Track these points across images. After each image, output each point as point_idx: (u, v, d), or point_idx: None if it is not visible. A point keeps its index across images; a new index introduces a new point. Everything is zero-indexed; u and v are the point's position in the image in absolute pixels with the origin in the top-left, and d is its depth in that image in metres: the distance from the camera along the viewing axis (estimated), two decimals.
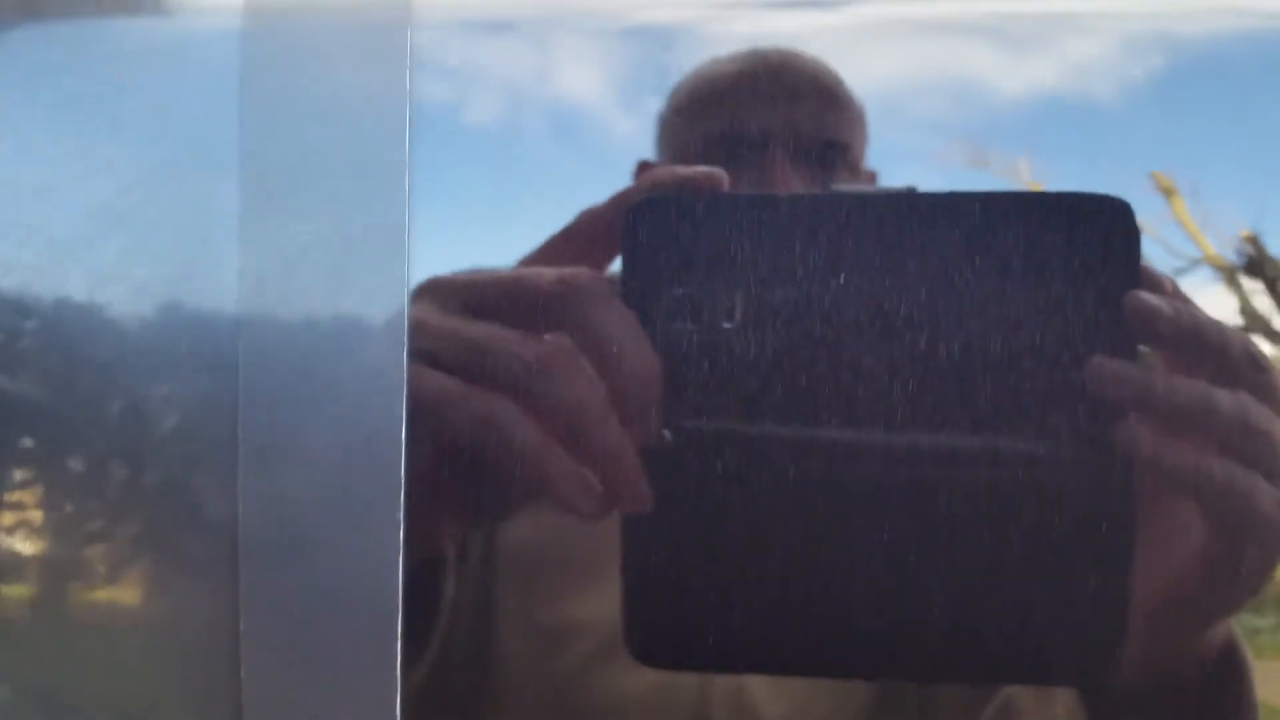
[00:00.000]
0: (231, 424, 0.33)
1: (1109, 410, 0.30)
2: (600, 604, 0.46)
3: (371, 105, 0.33)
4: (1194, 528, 0.32)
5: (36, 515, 0.40)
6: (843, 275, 0.29)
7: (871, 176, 0.33)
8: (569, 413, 0.30)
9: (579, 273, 0.31)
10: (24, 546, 0.39)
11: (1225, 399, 0.31)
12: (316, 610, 0.33)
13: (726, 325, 0.30)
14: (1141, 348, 0.31)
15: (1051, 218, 0.30)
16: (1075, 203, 0.30)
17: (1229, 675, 0.40)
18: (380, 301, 0.32)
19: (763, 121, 0.40)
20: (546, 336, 0.31)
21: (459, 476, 0.32)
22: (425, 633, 0.38)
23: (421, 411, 0.31)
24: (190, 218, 0.34)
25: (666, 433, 0.30)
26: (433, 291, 0.33)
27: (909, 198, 0.30)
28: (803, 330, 0.30)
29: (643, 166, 0.33)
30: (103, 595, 0.40)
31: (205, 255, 0.34)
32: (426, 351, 0.32)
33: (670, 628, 0.32)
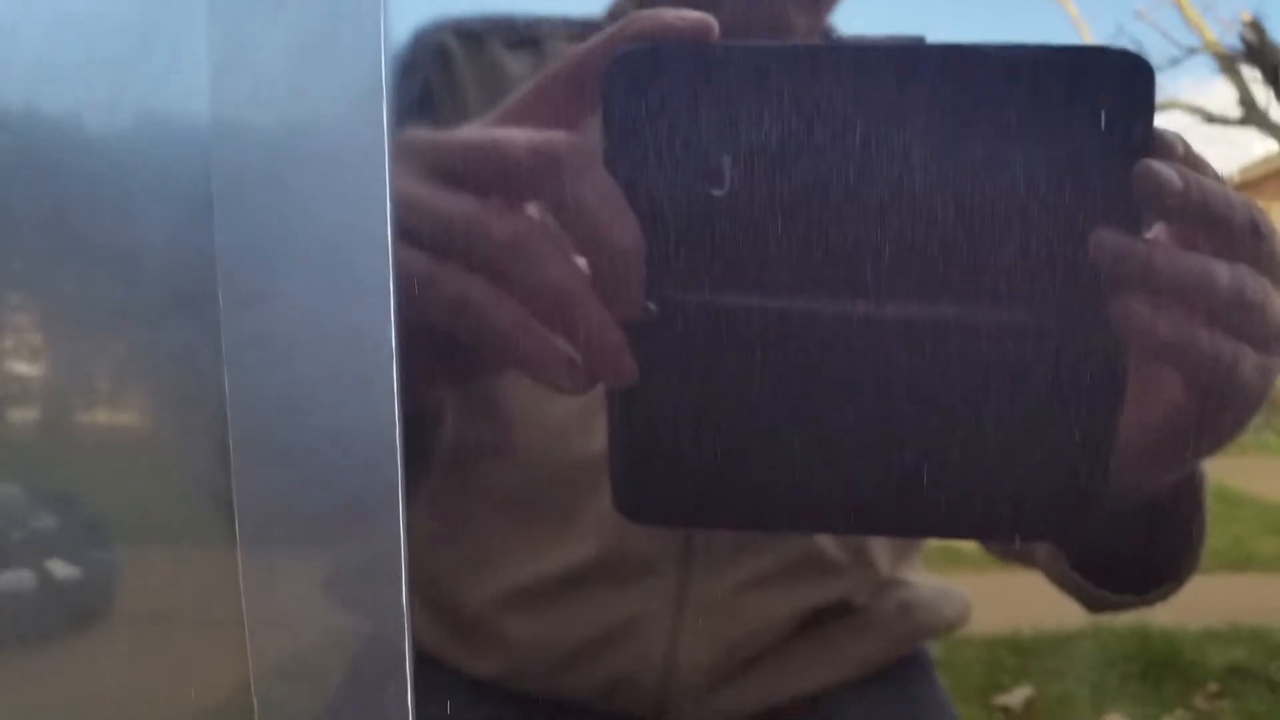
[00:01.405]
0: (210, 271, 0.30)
1: (1108, 283, 0.28)
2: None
3: None
4: (1177, 389, 0.32)
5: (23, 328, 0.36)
6: (843, 134, 0.27)
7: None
8: (547, 292, 0.27)
9: (556, 141, 0.27)
10: (16, 362, 0.36)
11: (1223, 274, 0.29)
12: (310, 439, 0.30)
13: (716, 193, 0.27)
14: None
15: (1068, 74, 0.27)
16: (1094, 58, 0.27)
17: (1189, 497, 0.47)
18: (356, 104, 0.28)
19: None
20: (526, 206, 0.28)
21: (437, 345, 0.31)
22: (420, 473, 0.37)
23: (397, 288, 0.28)
24: (158, 24, 0.31)
25: (651, 305, 0.28)
26: (403, 153, 0.30)
27: (915, 50, 0.27)
28: (799, 196, 0.27)
29: (620, 5, 0.28)
30: (93, 409, 0.38)
31: (175, 65, 0.30)
32: (398, 224, 0.29)
33: (657, 488, 0.30)
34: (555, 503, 0.61)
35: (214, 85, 0.29)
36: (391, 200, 0.27)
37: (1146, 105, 0.29)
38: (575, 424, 0.59)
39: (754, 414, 0.30)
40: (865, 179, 0.28)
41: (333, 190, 0.28)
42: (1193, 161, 0.30)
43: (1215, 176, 0.31)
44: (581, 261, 0.29)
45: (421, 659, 0.60)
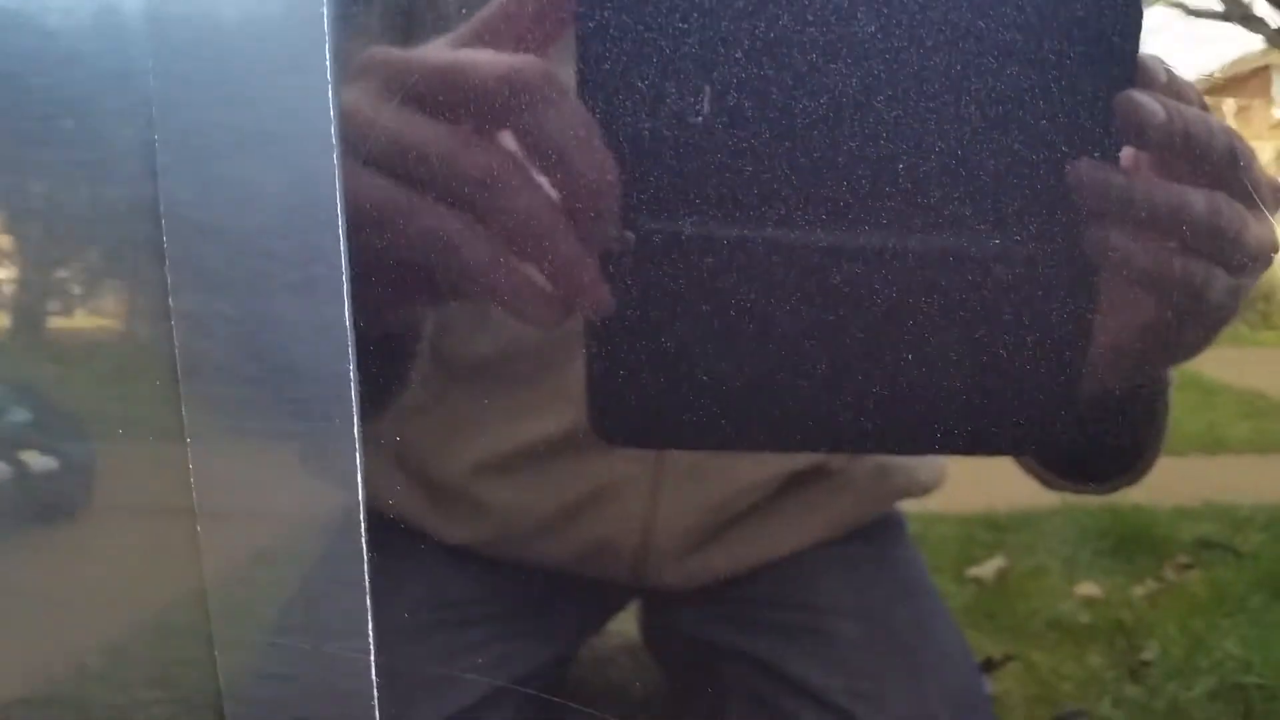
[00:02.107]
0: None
1: (1087, 211, 0.28)
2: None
3: None
4: (1150, 306, 0.33)
5: None
6: (823, 61, 0.26)
7: None
8: (518, 224, 0.27)
9: (526, 68, 0.27)
10: None
11: (1199, 202, 0.30)
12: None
13: (693, 119, 0.27)
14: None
15: (1053, 1, 0.27)
16: None
17: (1154, 398, 0.47)
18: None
19: None
20: (496, 135, 0.28)
21: (410, 272, 0.30)
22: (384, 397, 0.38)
23: (363, 217, 0.27)
24: None
25: (629, 234, 0.27)
26: (371, 72, 0.29)
27: None
28: (777, 123, 0.27)
29: None
30: (59, 306, 0.38)
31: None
32: (363, 150, 0.28)
33: (633, 412, 0.31)
34: (533, 372, 0.61)
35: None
36: (336, 114, 0.26)
37: (1132, 35, 0.28)
38: None
39: (730, 339, 0.30)
40: (845, 106, 0.28)
41: (277, 96, 0.27)
42: (1175, 89, 0.30)
43: (1199, 103, 0.31)
44: (554, 190, 0.29)
45: (399, 528, 0.63)
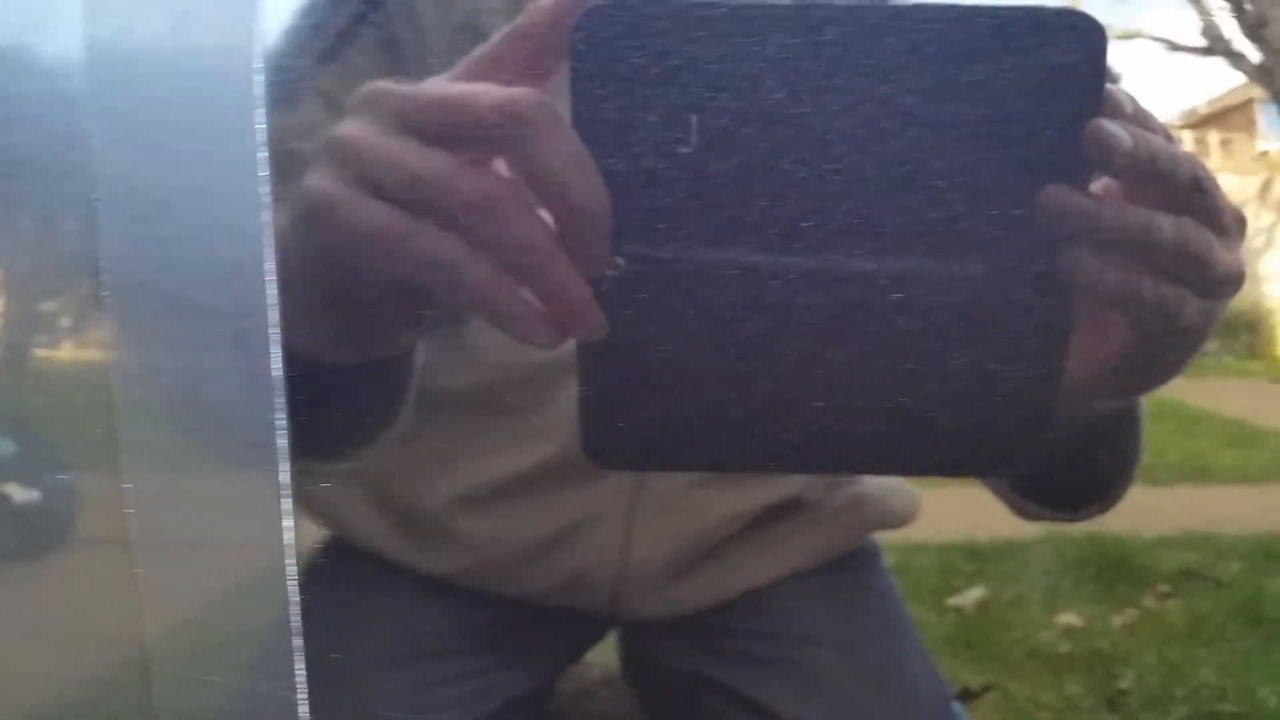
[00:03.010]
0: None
1: (1057, 236, 0.29)
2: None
3: None
4: (1123, 331, 0.33)
5: None
6: (807, 92, 0.28)
7: None
8: (516, 250, 0.28)
9: (522, 99, 0.28)
10: None
11: (1167, 227, 0.30)
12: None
13: (683, 149, 0.28)
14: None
15: (1023, 33, 0.28)
16: (1047, 18, 0.28)
17: (1127, 426, 0.46)
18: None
19: None
20: (493, 164, 0.29)
21: (409, 297, 0.31)
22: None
23: (365, 243, 0.29)
24: None
25: (619, 260, 0.28)
26: (371, 105, 0.31)
27: (878, 9, 0.28)
28: (764, 153, 0.28)
29: None
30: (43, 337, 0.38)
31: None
32: (366, 178, 0.29)
33: (625, 436, 0.32)
34: (513, 405, 0.61)
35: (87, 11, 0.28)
36: (266, 175, 0.28)
37: (1098, 64, 0.29)
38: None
39: (719, 364, 0.31)
40: (828, 136, 0.29)
41: (210, 158, 0.28)
42: (1141, 119, 0.31)
43: (1163, 133, 0.31)
44: (549, 217, 0.29)
45: (376, 561, 0.64)
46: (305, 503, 0.67)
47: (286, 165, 0.32)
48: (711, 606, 0.67)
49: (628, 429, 0.33)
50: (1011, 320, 0.31)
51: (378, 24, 0.62)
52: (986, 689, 1.48)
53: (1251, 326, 10.14)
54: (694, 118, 0.28)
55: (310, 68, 0.60)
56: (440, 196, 0.29)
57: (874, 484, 0.74)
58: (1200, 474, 4.17)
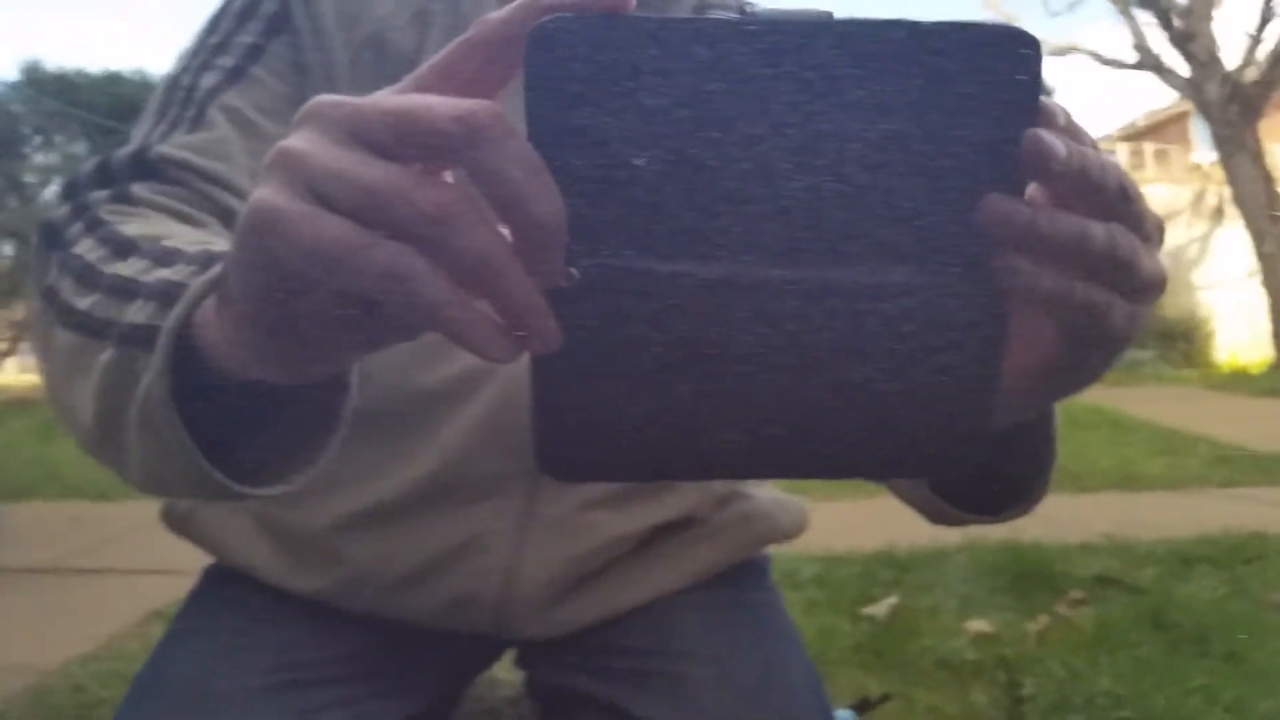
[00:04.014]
0: None
1: (995, 243, 0.30)
2: None
3: None
4: (1052, 334, 0.35)
5: None
6: (755, 105, 0.28)
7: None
8: (473, 261, 0.28)
9: (480, 110, 0.28)
10: None
11: (1098, 233, 0.31)
12: None
13: (637, 161, 0.28)
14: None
15: (963, 49, 0.29)
16: (987, 35, 0.29)
17: (1044, 429, 0.48)
18: None
19: None
20: (447, 176, 0.29)
21: (355, 314, 0.32)
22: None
23: (318, 256, 0.28)
24: None
25: (573, 271, 0.29)
26: (320, 119, 0.30)
27: (824, 25, 0.29)
28: (714, 165, 0.28)
29: None
30: None
31: None
32: (317, 190, 0.29)
33: (578, 447, 0.32)
34: (396, 428, 0.61)
35: None
36: None
37: (1034, 78, 0.30)
38: (420, 355, 0.60)
39: (671, 373, 0.31)
40: (776, 149, 0.29)
41: None
42: (1072, 130, 0.32)
43: (1091, 143, 0.33)
44: (504, 229, 0.29)
45: (257, 585, 0.64)
46: (187, 528, 0.67)
47: None
48: (597, 624, 0.67)
49: (582, 440, 0.33)
50: (955, 325, 0.31)
51: (284, 41, 0.61)
52: (885, 698, 1.47)
53: (1187, 335, 10.36)
54: (647, 130, 0.29)
55: (217, 85, 0.59)
56: (395, 208, 0.29)
57: (764, 500, 0.75)
58: (1129, 481, 4.24)
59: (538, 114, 0.29)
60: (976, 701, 1.70)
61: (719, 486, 0.73)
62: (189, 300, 0.38)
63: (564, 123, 0.29)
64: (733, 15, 0.31)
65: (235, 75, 0.59)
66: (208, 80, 0.59)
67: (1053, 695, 1.67)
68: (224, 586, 0.68)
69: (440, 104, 0.29)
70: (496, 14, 0.31)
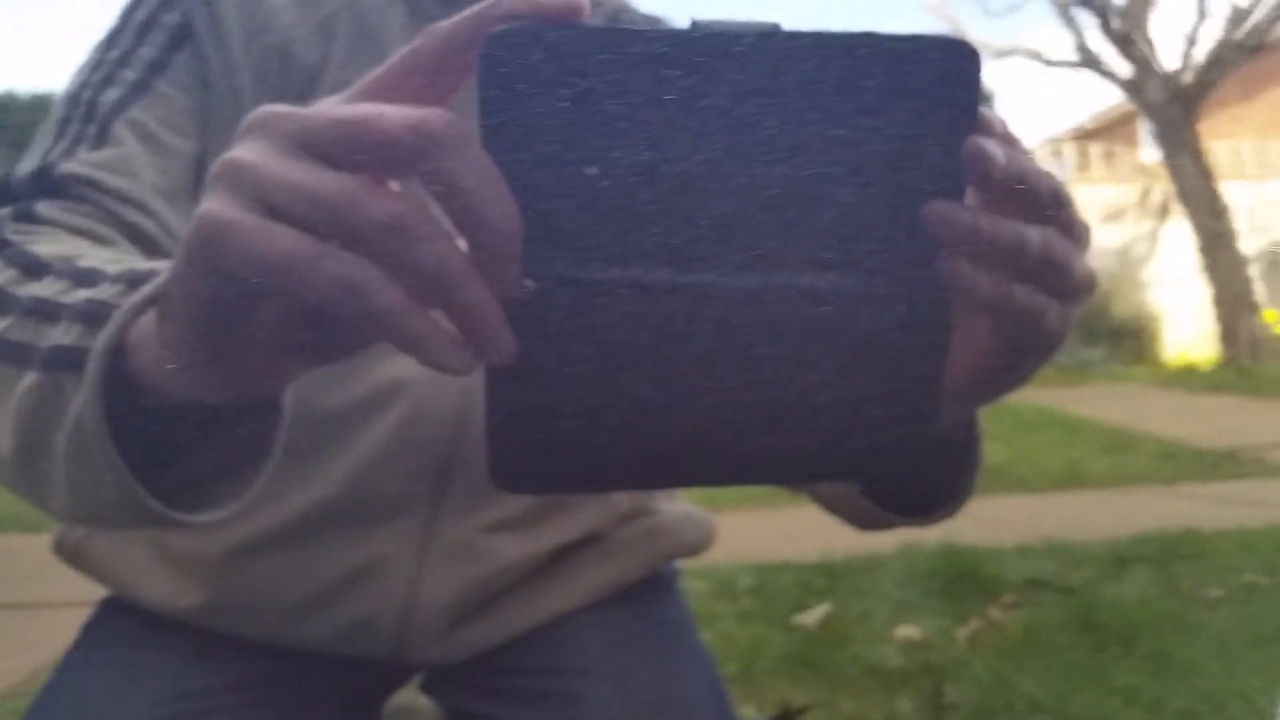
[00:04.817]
0: None
1: (940, 247, 0.31)
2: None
3: None
4: (989, 336, 0.36)
5: None
6: (704, 115, 0.29)
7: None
8: (429, 271, 0.28)
9: (434, 119, 0.27)
10: None
11: (1034, 237, 0.32)
12: None
13: (590, 170, 0.28)
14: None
15: (905, 59, 0.30)
16: (928, 45, 0.30)
17: (973, 430, 0.49)
18: None
19: None
20: (399, 185, 0.29)
21: (311, 327, 0.31)
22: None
23: (270, 267, 0.28)
24: None
25: (528, 281, 0.29)
26: (265, 129, 0.30)
27: (772, 36, 0.30)
28: (665, 174, 0.29)
29: None
30: None
31: None
32: (268, 201, 0.28)
33: (532, 459, 0.32)
34: (301, 452, 0.59)
35: None
36: None
37: (974, 88, 0.31)
38: (325, 377, 0.56)
39: (623, 382, 0.32)
40: (725, 159, 0.30)
41: None
42: (1008, 138, 0.32)
43: (1025, 151, 0.33)
44: (460, 238, 0.29)
45: (151, 616, 0.63)
46: (79, 559, 0.66)
47: None
48: (498, 646, 0.66)
49: (535, 452, 0.33)
50: (901, 328, 0.32)
51: (187, 53, 0.60)
52: (805, 709, 1.47)
53: (1136, 333, 10.48)
54: (600, 139, 0.29)
55: (120, 100, 0.57)
56: (351, 219, 0.28)
57: (670, 514, 0.75)
58: (1074, 481, 4.27)
59: (491, 123, 0.29)
60: (901, 709, 1.70)
61: (624, 503, 0.73)
62: (120, 320, 0.37)
63: (518, 132, 0.29)
64: (684, 28, 0.30)
65: (139, 89, 0.58)
66: (110, 95, 0.57)
67: (976, 701, 1.68)
68: (116, 618, 0.66)
69: (394, 113, 0.28)
70: (446, 23, 0.31)
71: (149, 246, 0.55)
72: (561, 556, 0.69)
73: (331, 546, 0.61)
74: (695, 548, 0.77)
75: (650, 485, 0.37)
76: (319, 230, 0.28)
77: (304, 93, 0.60)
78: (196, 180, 0.59)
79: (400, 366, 0.61)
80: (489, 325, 0.29)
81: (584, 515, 0.69)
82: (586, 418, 0.32)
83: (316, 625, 0.62)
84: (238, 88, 0.60)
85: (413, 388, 0.61)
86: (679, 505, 0.78)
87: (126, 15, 0.62)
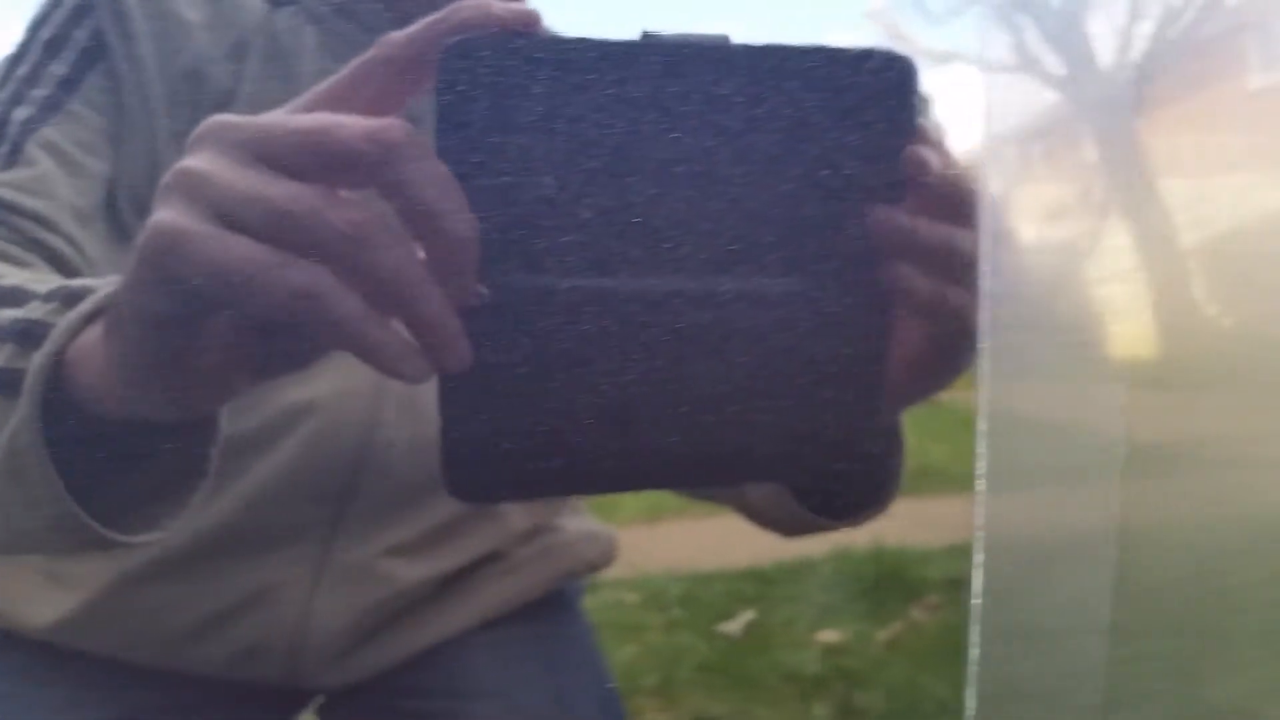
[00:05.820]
0: None
1: (880, 250, 0.32)
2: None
3: None
4: (921, 336, 0.36)
5: None
6: (655, 125, 0.29)
7: None
8: (386, 280, 0.28)
9: (391, 128, 0.28)
10: None
11: (966, 240, 0.33)
12: None
13: (544, 180, 0.29)
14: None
15: (845, 71, 0.31)
16: (867, 58, 0.31)
17: (898, 432, 0.49)
18: None
19: None
20: (356, 195, 0.29)
21: (262, 341, 0.31)
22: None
23: (226, 277, 0.28)
24: None
25: (482, 289, 0.29)
26: (219, 139, 0.29)
27: (720, 48, 0.30)
28: (618, 183, 0.29)
29: None
30: None
31: None
32: (222, 212, 0.28)
33: (486, 467, 0.32)
34: None
35: None
36: None
37: (911, 96, 0.32)
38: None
39: (577, 388, 0.32)
40: (674, 167, 0.31)
41: None
42: (940, 145, 0.34)
43: (953, 159, 0.34)
44: (417, 247, 0.29)
45: (38, 645, 0.62)
46: None
47: None
48: (391, 669, 0.66)
49: (489, 460, 0.33)
50: (844, 330, 0.33)
51: (100, 72, 0.59)
52: None
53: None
54: (554, 149, 0.30)
55: (31, 118, 0.56)
56: (309, 229, 0.28)
57: (571, 532, 0.76)
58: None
59: (448, 132, 0.29)
60: (816, 716, 1.71)
61: (524, 521, 0.72)
62: (59, 338, 0.36)
63: (474, 141, 0.29)
64: (636, 39, 0.31)
65: (51, 108, 0.57)
66: (20, 113, 0.56)
67: (886, 706, 1.69)
68: (2, 650, 0.65)
69: (351, 122, 0.29)
70: (400, 33, 0.31)
71: (65, 269, 0.54)
72: (459, 576, 0.68)
73: (225, 571, 0.61)
74: (596, 564, 0.77)
75: (605, 489, 0.37)
76: (277, 240, 0.28)
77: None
78: (108, 203, 0.58)
79: (306, 390, 0.60)
80: (446, 333, 0.30)
81: (484, 536, 0.69)
82: (540, 425, 0.32)
83: (208, 651, 0.62)
84: (151, 110, 0.59)
85: (316, 413, 0.61)
86: (583, 522, 0.78)
87: (33, 30, 0.60)
